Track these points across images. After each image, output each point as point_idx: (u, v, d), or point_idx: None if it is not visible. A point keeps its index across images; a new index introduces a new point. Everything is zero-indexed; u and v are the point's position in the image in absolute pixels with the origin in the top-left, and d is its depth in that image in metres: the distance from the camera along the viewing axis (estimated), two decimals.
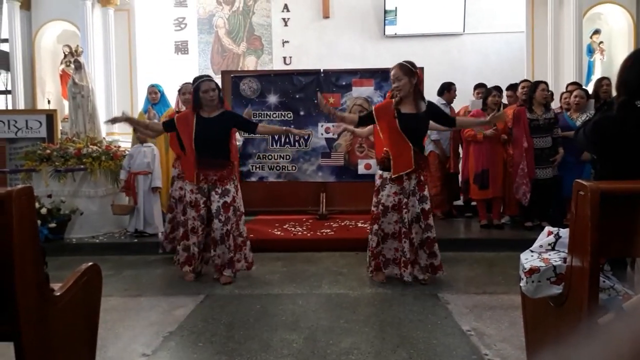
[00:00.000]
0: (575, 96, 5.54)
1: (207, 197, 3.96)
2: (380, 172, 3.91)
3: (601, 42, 7.69)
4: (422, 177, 3.82)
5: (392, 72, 3.75)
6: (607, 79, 5.93)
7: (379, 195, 3.87)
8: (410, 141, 3.72)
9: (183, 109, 4.72)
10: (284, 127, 4.75)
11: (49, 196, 5.40)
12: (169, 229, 4.76)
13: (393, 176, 3.76)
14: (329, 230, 5.58)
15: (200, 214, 3.96)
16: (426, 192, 3.82)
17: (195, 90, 3.90)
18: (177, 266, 4.23)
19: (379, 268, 3.91)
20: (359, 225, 5.85)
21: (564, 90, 5.97)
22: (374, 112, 3.87)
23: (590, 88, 6.70)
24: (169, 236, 4.75)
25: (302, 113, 6.40)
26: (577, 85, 6.01)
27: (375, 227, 3.89)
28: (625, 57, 2.17)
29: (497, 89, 5.65)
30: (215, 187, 3.92)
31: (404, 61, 3.76)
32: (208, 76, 4.06)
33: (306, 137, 6.03)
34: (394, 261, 3.86)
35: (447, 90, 6.26)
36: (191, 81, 4.78)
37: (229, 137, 4.03)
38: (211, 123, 3.89)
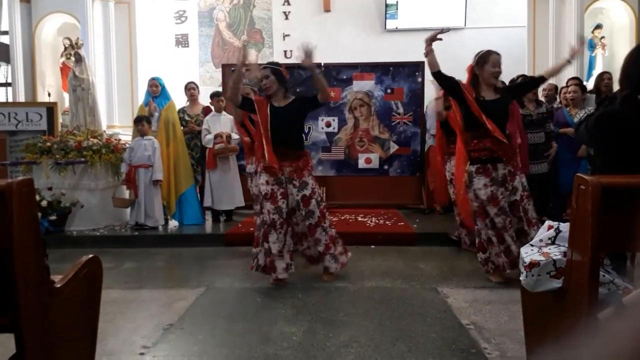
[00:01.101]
0: (570, 91, 5.54)
1: (285, 190, 3.72)
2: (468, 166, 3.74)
3: (603, 37, 7.66)
4: (511, 168, 3.72)
5: (493, 57, 3.67)
6: (609, 73, 5.92)
7: (471, 190, 3.69)
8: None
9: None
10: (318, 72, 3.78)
11: (50, 189, 5.40)
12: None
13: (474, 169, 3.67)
14: None
15: (278, 206, 3.67)
16: (516, 183, 3.71)
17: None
18: (259, 272, 3.75)
19: (498, 269, 3.69)
20: (359, 219, 5.86)
21: (564, 85, 5.95)
22: (461, 85, 3.70)
23: (591, 83, 6.69)
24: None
25: None
26: (576, 80, 5.99)
27: (480, 224, 3.69)
28: (629, 51, 2.14)
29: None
30: (292, 179, 3.71)
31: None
32: (267, 63, 3.82)
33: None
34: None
35: None
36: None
37: (301, 127, 3.91)
38: (282, 112, 3.70)
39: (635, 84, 2.03)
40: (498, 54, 3.72)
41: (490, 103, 3.66)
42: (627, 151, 2.08)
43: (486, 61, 3.68)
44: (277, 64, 3.84)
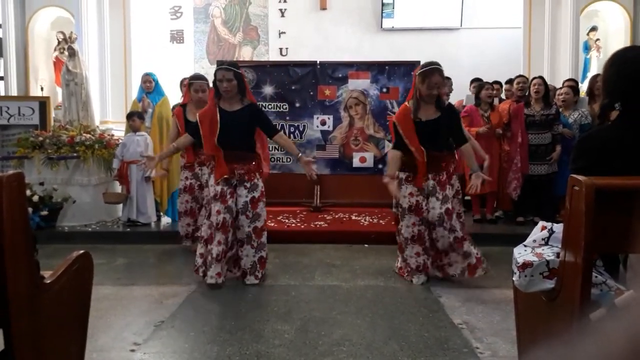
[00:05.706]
0: (560, 93, 5.55)
1: (234, 191, 3.67)
2: (399, 172, 3.78)
3: (598, 40, 7.69)
4: (442, 177, 3.69)
5: (433, 80, 3.54)
6: None
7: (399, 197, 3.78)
8: (428, 146, 3.61)
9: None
10: (298, 152, 3.92)
11: (41, 184, 5.36)
12: (185, 225, 4.61)
13: (404, 176, 3.74)
14: (322, 223, 5.58)
15: (228, 205, 3.60)
16: (448, 192, 3.68)
17: (214, 78, 3.62)
18: (199, 275, 3.70)
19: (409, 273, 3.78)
20: (353, 217, 5.86)
21: (560, 87, 5.97)
22: (397, 125, 3.68)
23: (585, 85, 6.71)
24: (190, 234, 4.62)
25: (297, 105, 6.39)
26: (570, 81, 6.01)
27: (399, 227, 3.86)
28: (607, 58, 2.05)
29: (497, 83, 5.64)
30: (243, 181, 3.66)
31: (437, 64, 3.60)
32: (228, 64, 3.66)
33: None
34: (417, 269, 3.71)
35: None
36: (201, 76, 4.62)
37: (253, 131, 3.75)
38: (234, 117, 3.61)
39: (613, 91, 1.92)
40: (441, 76, 3.59)
41: (427, 124, 3.61)
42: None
43: (424, 80, 3.57)
44: (237, 66, 3.69)
